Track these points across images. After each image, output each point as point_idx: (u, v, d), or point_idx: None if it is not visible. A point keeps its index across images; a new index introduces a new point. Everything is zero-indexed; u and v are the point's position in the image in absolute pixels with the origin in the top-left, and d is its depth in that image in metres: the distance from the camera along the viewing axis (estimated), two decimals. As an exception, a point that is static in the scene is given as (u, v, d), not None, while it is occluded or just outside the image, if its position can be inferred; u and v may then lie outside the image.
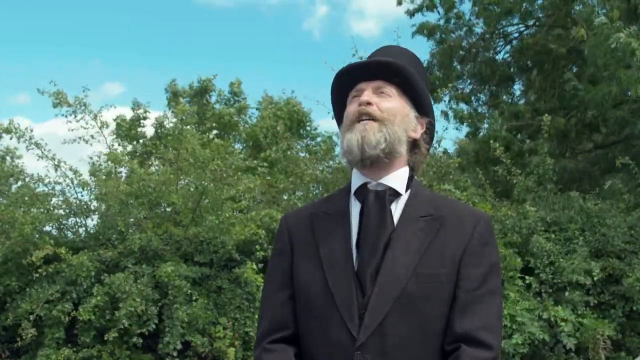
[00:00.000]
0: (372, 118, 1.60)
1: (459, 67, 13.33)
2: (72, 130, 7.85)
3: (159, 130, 13.76)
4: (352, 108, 1.65)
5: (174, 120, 8.77)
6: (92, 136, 8.12)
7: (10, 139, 7.29)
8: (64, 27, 31.58)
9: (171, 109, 15.24)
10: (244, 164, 7.90)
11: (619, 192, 7.96)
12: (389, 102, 1.63)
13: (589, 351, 6.34)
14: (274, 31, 33.38)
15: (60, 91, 7.57)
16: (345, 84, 1.70)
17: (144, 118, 11.36)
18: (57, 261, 6.71)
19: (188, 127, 8.32)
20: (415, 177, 1.72)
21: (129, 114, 12.65)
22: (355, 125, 1.61)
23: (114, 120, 8.29)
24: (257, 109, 16.81)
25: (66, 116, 7.72)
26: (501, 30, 13.35)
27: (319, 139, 15.42)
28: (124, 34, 31.45)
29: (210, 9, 31.60)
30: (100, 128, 8.10)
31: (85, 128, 7.90)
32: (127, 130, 12.27)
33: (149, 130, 14.17)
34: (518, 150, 10.45)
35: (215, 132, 14.40)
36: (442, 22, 13.43)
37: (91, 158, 8.22)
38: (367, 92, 1.63)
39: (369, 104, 1.61)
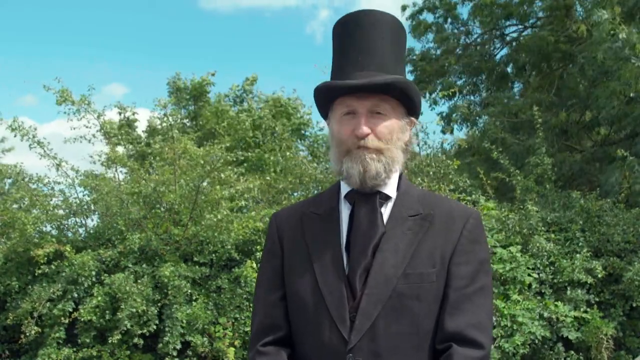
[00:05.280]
0: (371, 148, 1.57)
1: (450, 63, 13.25)
2: (74, 128, 7.90)
3: (150, 132, 13.66)
4: (346, 131, 1.59)
5: (162, 117, 8.67)
6: (93, 135, 8.16)
7: (14, 136, 7.32)
8: (71, 27, 31.79)
9: (155, 104, 14.80)
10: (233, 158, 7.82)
11: (617, 184, 7.94)
12: (385, 123, 1.59)
13: (592, 350, 6.33)
14: (277, 35, 33.68)
15: (65, 89, 7.61)
16: (335, 92, 1.62)
17: (134, 121, 11.14)
18: (58, 260, 6.73)
19: (172, 119, 8.29)
20: (405, 175, 1.72)
21: (116, 117, 12.51)
22: (353, 152, 1.58)
23: (101, 127, 8.22)
24: (259, 109, 16.45)
25: (68, 114, 7.77)
26: (498, 32, 13.32)
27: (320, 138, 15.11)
28: (129, 36, 31.65)
29: (215, 14, 31.83)
30: (102, 127, 8.12)
31: (87, 127, 7.94)
32: (117, 134, 12.02)
33: (141, 128, 14.08)
34: (516, 151, 10.43)
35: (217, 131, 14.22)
36: (440, 20, 13.43)
37: (98, 157, 8.26)
38: (364, 120, 1.56)
39: (367, 134, 1.56)
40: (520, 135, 11.18)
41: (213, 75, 16.20)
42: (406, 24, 13.47)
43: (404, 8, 13.51)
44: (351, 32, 1.65)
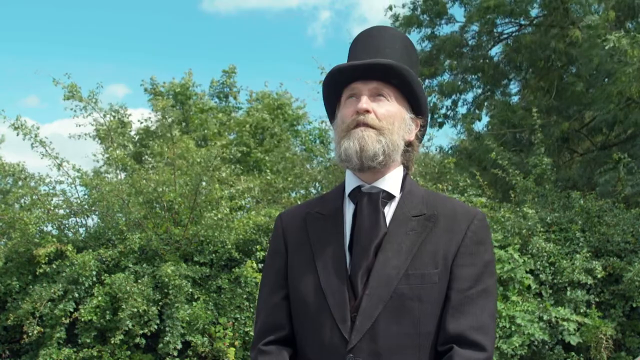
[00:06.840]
0: (370, 126, 1.56)
1: (447, 62, 13.19)
2: (79, 125, 7.96)
3: (143, 134, 13.55)
4: (348, 112, 1.60)
5: (157, 118, 8.65)
6: (98, 135, 8.21)
7: (17, 135, 7.35)
8: (73, 28, 31.87)
9: (151, 105, 14.66)
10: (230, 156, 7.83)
11: (611, 186, 7.94)
12: (387, 107, 1.59)
13: (591, 350, 6.33)
14: (278, 37, 33.76)
15: (73, 84, 7.65)
16: (340, 81, 1.64)
17: (127, 123, 11.01)
18: (59, 260, 6.74)
19: (170, 120, 8.32)
20: (410, 175, 1.71)
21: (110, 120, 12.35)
22: (352, 132, 1.57)
23: (95, 131, 8.25)
24: (247, 111, 15.88)
25: (75, 111, 7.82)
26: (493, 30, 13.24)
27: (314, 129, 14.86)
28: (131, 37, 31.75)
29: (217, 16, 31.94)
30: (108, 126, 8.18)
31: (93, 125, 7.99)
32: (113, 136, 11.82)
33: (135, 128, 13.88)
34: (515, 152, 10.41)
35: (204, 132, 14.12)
36: (432, 16, 13.35)
37: (102, 156, 8.29)
38: (365, 98, 1.57)
39: (367, 111, 1.57)
40: (521, 147, 11.17)
41: (190, 74, 15.78)
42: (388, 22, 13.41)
43: (391, 8, 13.48)
44: (362, 41, 1.69)
